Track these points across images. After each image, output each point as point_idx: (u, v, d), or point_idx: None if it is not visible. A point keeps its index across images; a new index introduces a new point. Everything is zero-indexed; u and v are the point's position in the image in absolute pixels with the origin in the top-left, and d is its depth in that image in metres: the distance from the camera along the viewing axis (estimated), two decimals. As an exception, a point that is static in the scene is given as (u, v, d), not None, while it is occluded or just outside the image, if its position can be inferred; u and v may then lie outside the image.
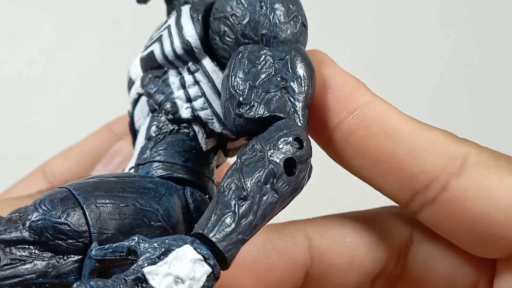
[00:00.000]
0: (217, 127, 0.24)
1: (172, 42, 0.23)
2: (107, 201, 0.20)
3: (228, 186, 0.19)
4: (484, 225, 0.21)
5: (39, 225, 0.19)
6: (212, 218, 0.18)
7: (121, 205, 0.20)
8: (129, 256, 0.18)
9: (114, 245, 0.18)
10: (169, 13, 0.26)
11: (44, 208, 0.19)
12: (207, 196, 0.24)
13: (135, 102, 0.25)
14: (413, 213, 0.22)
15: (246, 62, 0.21)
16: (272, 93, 0.21)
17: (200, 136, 0.24)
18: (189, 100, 0.24)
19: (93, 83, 0.60)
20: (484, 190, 0.21)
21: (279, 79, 0.21)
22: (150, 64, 0.24)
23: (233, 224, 0.18)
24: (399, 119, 0.22)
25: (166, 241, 0.18)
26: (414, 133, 0.22)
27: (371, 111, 0.22)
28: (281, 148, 0.20)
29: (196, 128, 0.24)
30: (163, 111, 0.24)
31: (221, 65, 0.23)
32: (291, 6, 0.22)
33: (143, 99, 0.25)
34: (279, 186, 0.19)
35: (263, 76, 0.21)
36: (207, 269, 0.17)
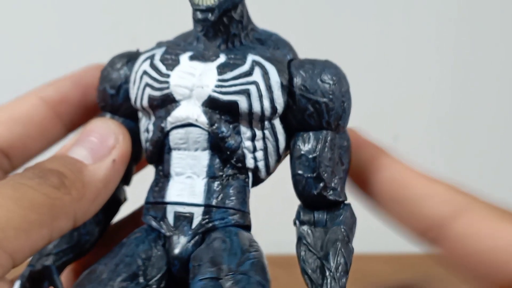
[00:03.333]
0: (263, 176, 0.27)
1: (262, 104, 0.25)
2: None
3: (339, 264, 0.25)
4: (476, 261, 0.26)
5: None
6: None
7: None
8: None
9: None
10: (214, 34, 0.27)
11: None
12: None
13: (181, 126, 0.26)
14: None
15: (328, 149, 0.26)
16: (341, 179, 0.27)
17: (250, 182, 0.27)
18: (253, 151, 0.26)
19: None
20: (475, 231, 0.26)
21: (341, 163, 0.27)
22: (224, 109, 0.25)
23: None
24: (412, 174, 0.28)
25: None
26: (423, 185, 0.27)
27: (391, 170, 0.28)
28: (354, 231, 0.27)
29: (250, 174, 0.26)
30: (234, 158, 0.26)
31: (285, 129, 0.27)
32: (351, 100, 0.27)
33: (196, 130, 0.26)
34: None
35: (336, 161, 0.26)
36: None
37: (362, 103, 0.66)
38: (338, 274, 0.25)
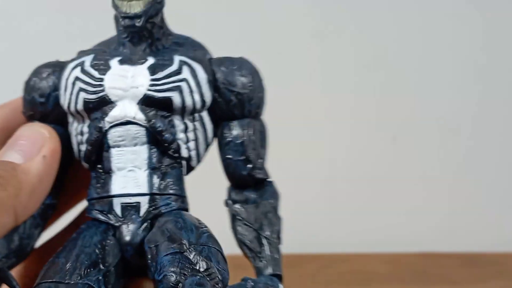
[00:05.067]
0: (195, 164, 0.30)
1: (193, 98, 0.29)
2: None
3: (273, 232, 0.29)
4: None
5: None
6: (278, 261, 0.29)
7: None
8: None
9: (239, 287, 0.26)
10: (139, 39, 0.29)
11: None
12: None
13: (118, 124, 0.28)
14: None
15: (252, 134, 0.30)
16: (263, 159, 0.31)
17: (184, 170, 0.30)
18: (186, 142, 0.29)
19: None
20: None
21: (261, 146, 0.30)
22: (159, 105, 0.28)
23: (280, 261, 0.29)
24: None
25: (269, 282, 0.27)
26: None
27: None
28: (279, 203, 0.30)
29: (183, 163, 0.29)
30: (171, 149, 0.29)
31: (212, 119, 0.30)
32: (265, 90, 0.31)
33: (134, 127, 0.28)
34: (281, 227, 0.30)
35: (258, 144, 0.30)
36: None
37: (362, 103, 0.66)
38: (274, 240, 0.29)
